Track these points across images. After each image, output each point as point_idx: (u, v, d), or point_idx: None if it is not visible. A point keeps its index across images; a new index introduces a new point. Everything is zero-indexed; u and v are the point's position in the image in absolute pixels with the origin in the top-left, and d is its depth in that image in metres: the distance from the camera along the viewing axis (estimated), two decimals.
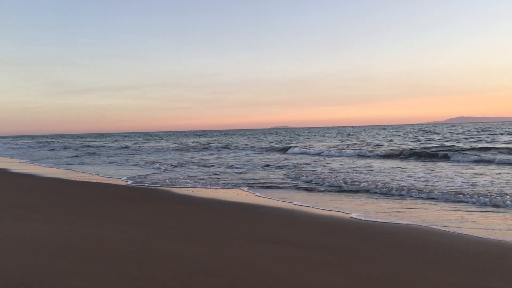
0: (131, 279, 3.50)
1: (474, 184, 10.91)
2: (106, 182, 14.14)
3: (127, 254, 4.32)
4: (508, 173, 13.37)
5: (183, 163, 21.91)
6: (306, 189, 11.37)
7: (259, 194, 10.66)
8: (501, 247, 5.53)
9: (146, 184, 13.07)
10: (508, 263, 4.83)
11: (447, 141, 33.60)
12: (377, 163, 18.58)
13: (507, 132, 42.73)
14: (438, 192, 9.62)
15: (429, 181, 12.00)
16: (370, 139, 42.50)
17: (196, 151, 34.24)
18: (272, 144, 39.99)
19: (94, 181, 14.40)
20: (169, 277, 3.60)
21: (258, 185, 12.43)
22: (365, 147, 29.30)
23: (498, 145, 25.65)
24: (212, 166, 19.79)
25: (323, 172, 15.01)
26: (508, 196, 8.78)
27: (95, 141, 75.93)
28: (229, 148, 36.92)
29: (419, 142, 33.45)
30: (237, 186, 12.35)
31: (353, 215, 7.77)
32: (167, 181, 13.78)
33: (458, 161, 18.20)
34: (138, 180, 14.13)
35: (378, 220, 7.32)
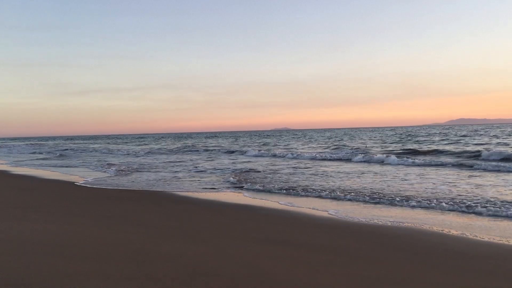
0: (131, 279, 3.50)
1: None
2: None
3: (127, 254, 4.33)
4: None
5: (141, 167, 20.84)
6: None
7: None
8: (501, 249, 5.56)
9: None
10: (508, 264, 4.84)
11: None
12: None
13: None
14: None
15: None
16: (352, 142, 42.96)
17: (167, 155, 34.18)
18: (235, 146, 40.94)
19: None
20: (169, 277, 3.61)
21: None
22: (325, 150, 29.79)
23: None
24: (159, 172, 18.69)
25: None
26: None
27: (84, 143, 76.76)
28: (198, 151, 37.08)
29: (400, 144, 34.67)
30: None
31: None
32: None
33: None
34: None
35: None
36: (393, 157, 20.16)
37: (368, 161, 20.40)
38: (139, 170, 19.32)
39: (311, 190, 11.04)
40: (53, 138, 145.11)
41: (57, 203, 9.08)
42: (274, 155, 27.12)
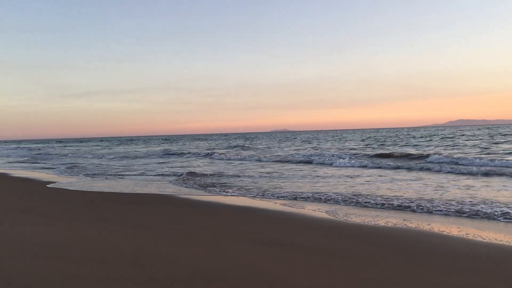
0: (131, 282, 3.51)
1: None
2: None
3: (127, 256, 4.34)
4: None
5: (107, 171, 20.32)
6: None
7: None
8: (501, 250, 5.52)
9: None
10: (508, 266, 4.82)
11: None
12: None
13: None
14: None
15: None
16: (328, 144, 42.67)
17: (142, 158, 33.89)
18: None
19: None
20: (169, 279, 3.61)
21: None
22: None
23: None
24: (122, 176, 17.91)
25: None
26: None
27: (70, 146, 76.45)
28: (175, 154, 36.61)
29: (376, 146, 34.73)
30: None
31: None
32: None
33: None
34: None
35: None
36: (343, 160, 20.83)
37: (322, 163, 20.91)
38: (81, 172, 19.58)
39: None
40: (55, 141, 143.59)
41: None
42: (243, 159, 26.64)
